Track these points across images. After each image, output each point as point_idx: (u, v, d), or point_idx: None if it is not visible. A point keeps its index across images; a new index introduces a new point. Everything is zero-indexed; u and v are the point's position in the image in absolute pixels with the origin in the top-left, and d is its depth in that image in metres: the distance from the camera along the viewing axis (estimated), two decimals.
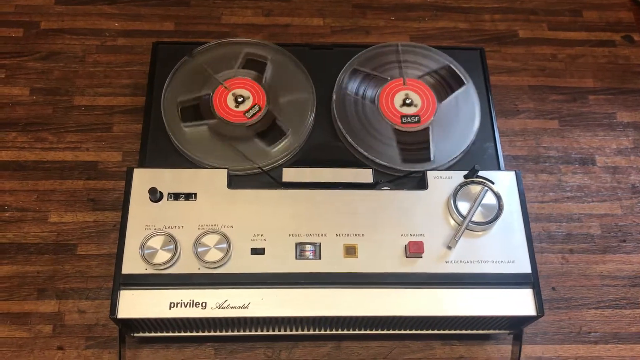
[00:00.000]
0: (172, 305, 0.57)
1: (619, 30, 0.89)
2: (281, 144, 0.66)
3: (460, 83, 0.72)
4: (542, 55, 0.87)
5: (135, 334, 0.62)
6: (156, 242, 0.57)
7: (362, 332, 0.64)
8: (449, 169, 0.67)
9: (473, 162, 0.65)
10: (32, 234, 0.70)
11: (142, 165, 0.65)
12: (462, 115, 0.70)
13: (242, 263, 0.58)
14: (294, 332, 0.63)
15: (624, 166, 0.79)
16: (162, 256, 0.57)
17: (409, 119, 0.68)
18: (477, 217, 0.60)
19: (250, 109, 0.67)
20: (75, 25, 0.83)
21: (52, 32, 0.83)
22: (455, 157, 0.67)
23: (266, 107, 0.68)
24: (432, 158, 0.67)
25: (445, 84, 0.72)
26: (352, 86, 0.70)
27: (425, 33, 0.87)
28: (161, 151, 0.66)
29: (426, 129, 0.68)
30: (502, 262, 0.60)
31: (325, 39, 0.85)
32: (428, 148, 0.67)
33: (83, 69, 0.81)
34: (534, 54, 0.87)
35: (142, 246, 0.57)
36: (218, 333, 0.63)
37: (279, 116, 0.68)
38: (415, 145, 0.67)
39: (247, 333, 0.63)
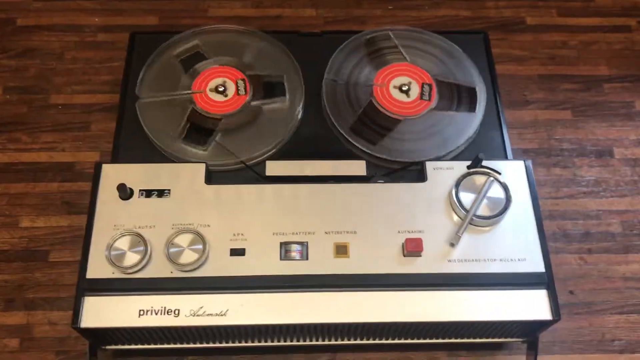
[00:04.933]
0: (142, 312, 0.51)
1: (635, 15, 0.83)
2: (269, 134, 0.61)
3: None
4: (551, 43, 0.81)
5: (108, 347, 0.56)
6: (124, 243, 0.52)
7: (359, 342, 0.58)
8: (450, 159, 0.60)
9: (477, 153, 0.58)
10: (0, 240, 0.65)
11: (115, 161, 0.60)
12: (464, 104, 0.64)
13: (219, 265, 0.52)
14: (284, 343, 0.57)
15: None
16: (131, 258, 0.51)
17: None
18: (482, 210, 0.54)
19: (237, 89, 0.62)
20: (53, 21, 0.79)
21: (28, 28, 0.78)
22: (457, 148, 0.61)
23: (251, 91, 0.62)
24: (474, 85, 0.63)
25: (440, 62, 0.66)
26: (345, 72, 0.65)
27: (425, 22, 0.81)
28: (136, 146, 0.61)
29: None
30: (511, 260, 0.54)
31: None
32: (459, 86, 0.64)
33: (61, 66, 0.76)
34: (542, 42, 0.81)
35: (109, 248, 0.52)
36: (199, 345, 0.57)
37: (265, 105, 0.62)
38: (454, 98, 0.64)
39: (232, 344, 0.57)
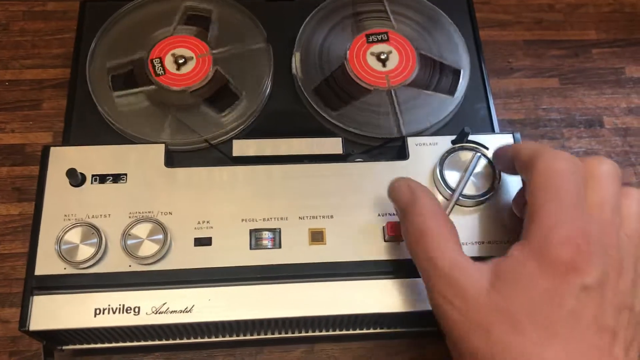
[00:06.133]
0: (98, 311, 0.46)
1: None
2: (234, 111, 0.55)
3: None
4: (537, 6, 0.76)
5: (64, 347, 0.52)
6: (75, 235, 0.47)
7: (339, 332, 0.53)
8: (433, 134, 0.56)
9: (462, 126, 0.53)
10: None
11: (66, 142, 0.54)
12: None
13: (183, 257, 0.48)
14: (257, 337, 0.53)
15: (636, 127, 0.69)
16: (84, 252, 0.46)
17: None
18: (469, 189, 0.50)
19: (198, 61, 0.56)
20: None
21: None
22: (440, 120, 0.57)
23: (213, 67, 0.57)
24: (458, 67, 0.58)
25: (427, 34, 0.61)
26: (317, 40, 0.59)
27: None
28: (90, 127, 0.56)
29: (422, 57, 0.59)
30: (500, 242, 0.50)
31: None
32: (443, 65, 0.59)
33: (7, 39, 0.70)
34: (527, 5, 0.76)
35: (59, 241, 0.46)
36: (166, 342, 0.52)
37: (231, 78, 0.57)
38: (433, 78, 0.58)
39: (201, 340, 0.53)
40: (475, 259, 0.48)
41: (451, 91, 0.57)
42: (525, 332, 0.36)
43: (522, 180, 0.43)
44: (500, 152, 0.47)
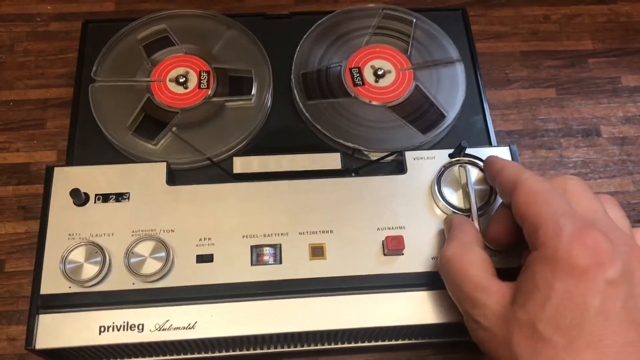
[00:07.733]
0: (103, 329, 0.47)
1: None
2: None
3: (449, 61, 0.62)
4: (533, 17, 0.77)
5: None
6: (79, 254, 0.47)
7: (340, 346, 0.54)
8: (431, 148, 0.57)
9: (459, 139, 0.54)
10: None
11: (70, 160, 0.55)
12: (444, 86, 0.60)
13: (185, 274, 0.48)
14: (260, 351, 0.54)
15: (633, 136, 0.69)
16: (88, 271, 0.47)
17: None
18: (463, 203, 0.50)
19: (200, 81, 0.57)
20: (1, 10, 0.73)
21: None
22: (438, 134, 0.57)
23: (214, 85, 0.58)
24: (445, 113, 0.58)
25: (428, 56, 0.62)
26: (315, 58, 0.60)
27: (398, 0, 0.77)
28: (92, 146, 0.57)
29: (417, 89, 0.59)
30: (499, 253, 0.50)
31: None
32: (433, 104, 0.58)
33: (11, 60, 0.71)
34: (524, 16, 0.77)
35: (63, 260, 0.47)
36: (170, 357, 0.53)
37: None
38: (419, 112, 0.58)
39: (205, 355, 0.53)
40: None
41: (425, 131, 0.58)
42: (548, 340, 0.36)
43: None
44: (486, 167, 0.48)
